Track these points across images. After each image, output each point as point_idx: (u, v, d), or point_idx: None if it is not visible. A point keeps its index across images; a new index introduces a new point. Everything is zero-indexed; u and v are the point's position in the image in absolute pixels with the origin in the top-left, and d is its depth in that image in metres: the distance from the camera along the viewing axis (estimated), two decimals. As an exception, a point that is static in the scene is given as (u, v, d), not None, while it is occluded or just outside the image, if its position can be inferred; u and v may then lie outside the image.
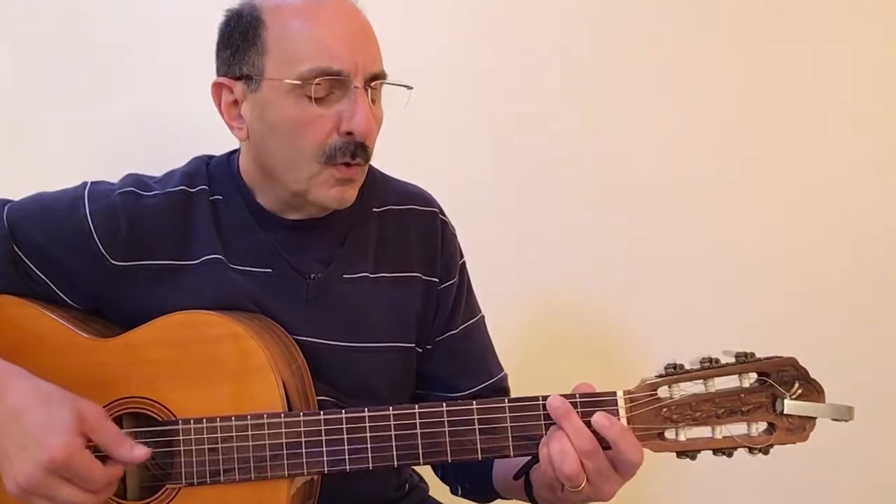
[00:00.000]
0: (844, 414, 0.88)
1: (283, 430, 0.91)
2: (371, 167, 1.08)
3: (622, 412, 0.88)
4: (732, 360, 0.89)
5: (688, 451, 0.89)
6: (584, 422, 0.87)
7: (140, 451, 0.87)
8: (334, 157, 0.97)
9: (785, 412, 0.87)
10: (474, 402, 0.90)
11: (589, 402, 0.88)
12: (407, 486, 1.17)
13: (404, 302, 1.08)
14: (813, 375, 0.88)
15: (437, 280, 1.11)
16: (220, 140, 1.10)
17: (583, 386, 0.90)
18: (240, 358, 0.93)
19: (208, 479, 0.91)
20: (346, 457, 0.91)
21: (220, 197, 1.06)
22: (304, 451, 0.91)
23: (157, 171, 1.10)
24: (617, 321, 1.67)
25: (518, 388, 1.14)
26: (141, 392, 0.94)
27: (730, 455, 0.88)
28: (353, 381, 1.05)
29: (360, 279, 1.06)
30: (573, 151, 1.65)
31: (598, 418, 0.87)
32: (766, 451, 0.88)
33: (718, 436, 0.88)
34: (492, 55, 1.64)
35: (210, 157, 1.11)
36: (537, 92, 1.65)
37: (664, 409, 0.88)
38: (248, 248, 1.04)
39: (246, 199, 1.06)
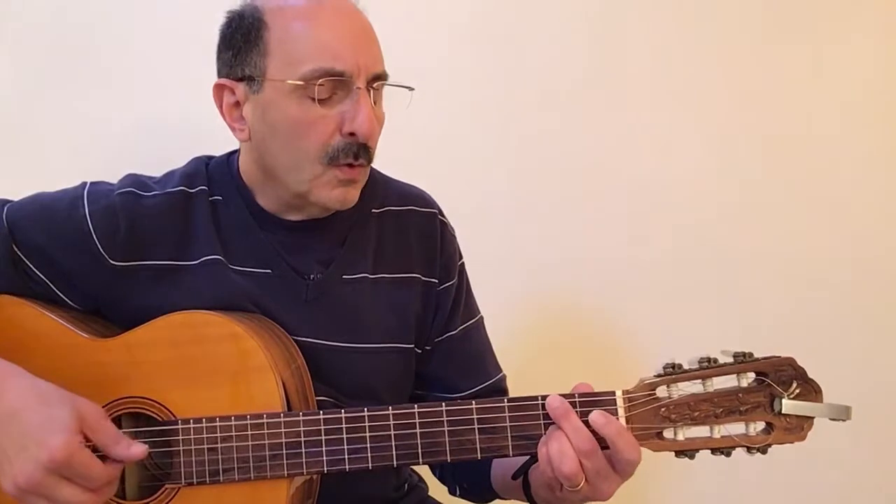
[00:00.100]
0: (842, 413, 0.88)
1: (283, 430, 0.91)
2: (371, 168, 1.08)
3: (621, 412, 0.89)
4: (730, 359, 0.89)
5: (686, 451, 0.89)
6: (582, 421, 0.87)
7: (137, 449, 0.87)
8: (337, 158, 0.97)
9: (783, 412, 0.87)
10: (473, 402, 0.91)
11: (588, 402, 0.88)
12: (406, 485, 1.17)
13: (404, 303, 1.09)
14: (811, 375, 0.89)
15: (437, 281, 1.11)
16: (220, 140, 1.10)
17: (582, 386, 0.91)
18: (239, 358, 0.93)
19: (207, 479, 0.91)
20: (346, 456, 0.91)
21: (220, 197, 1.06)
22: (303, 450, 0.91)
23: (156, 171, 1.10)
24: (616, 321, 1.67)
25: (517, 388, 1.14)
26: (140, 392, 0.94)
27: (728, 454, 0.89)
28: (352, 381, 1.05)
29: (359, 280, 1.07)
30: (572, 152, 1.66)
31: (596, 416, 0.87)
32: (764, 451, 0.88)
33: (717, 435, 0.88)
34: (492, 56, 1.64)
35: (210, 158, 1.11)
36: (537, 92, 1.65)
37: (663, 409, 0.88)
38: (247, 249, 1.04)
39: (246, 200, 1.06)
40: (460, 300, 1.14)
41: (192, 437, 0.92)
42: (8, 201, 1.03)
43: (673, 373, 0.89)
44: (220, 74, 1.02)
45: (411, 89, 1.02)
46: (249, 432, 0.91)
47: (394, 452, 0.91)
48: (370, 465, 0.91)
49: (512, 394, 1.16)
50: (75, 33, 1.57)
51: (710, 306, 1.66)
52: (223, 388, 0.93)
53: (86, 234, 1.00)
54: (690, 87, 1.67)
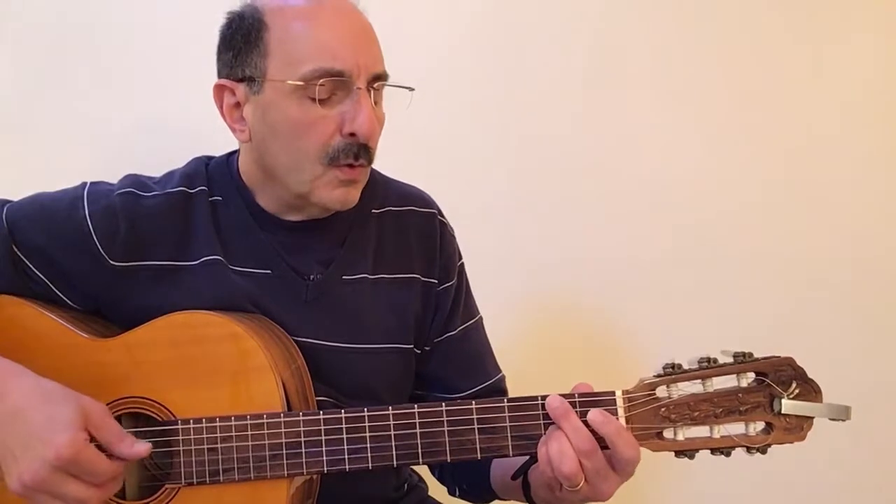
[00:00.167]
0: (842, 413, 0.88)
1: (283, 430, 0.91)
2: (371, 168, 1.08)
3: (621, 412, 0.89)
4: (730, 359, 0.89)
5: (686, 451, 0.89)
6: (582, 421, 0.87)
7: (141, 447, 0.87)
8: (337, 159, 0.97)
9: (782, 412, 0.87)
10: (473, 402, 0.91)
11: (588, 402, 0.88)
12: (406, 485, 1.17)
13: (403, 303, 1.09)
14: (810, 375, 0.89)
15: (436, 281, 1.11)
16: (219, 140, 1.10)
17: (581, 386, 0.91)
18: (239, 358, 0.93)
19: (207, 479, 0.91)
20: (346, 456, 0.91)
21: (220, 198, 1.06)
22: (303, 450, 0.91)
23: (156, 171, 1.10)
24: (616, 321, 1.67)
25: (517, 388, 1.14)
26: (140, 392, 0.94)
27: (728, 454, 0.89)
28: (352, 381, 1.05)
29: (359, 280, 1.07)
30: (572, 152, 1.66)
31: (594, 415, 0.87)
32: (763, 451, 0.88)
33: (716, 435, 0.88)
34: (492, 56, 1.64)
35: (209, 158, 1.11)
36: (537, 92, 1.65)
37: (662, 409, 0.88)
38: (247, 249, 1.04)
39: (246, 200, 1.06)
40: (460, 300, 1.14)
41: (192, 437, 0.92)
42: (8, 201, 1.03)
43: (673, 373, 0.89)
44: (220, 75, 1.02)
45: (411, 90, 1.01)
46: (249, 432, 0.91)
47: (394, 452, 0.91)
48: (370, 465, 0.91)
49: (512, 394, 1.16)
50: (75, 33, 1.57)
51: (710, 306, 1.66)
52: (223, 389, 0.93)
53: (86, 235, 1.00)
54: (690, 87, 1.67)
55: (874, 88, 1.69)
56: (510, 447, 0.90)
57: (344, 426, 0.91)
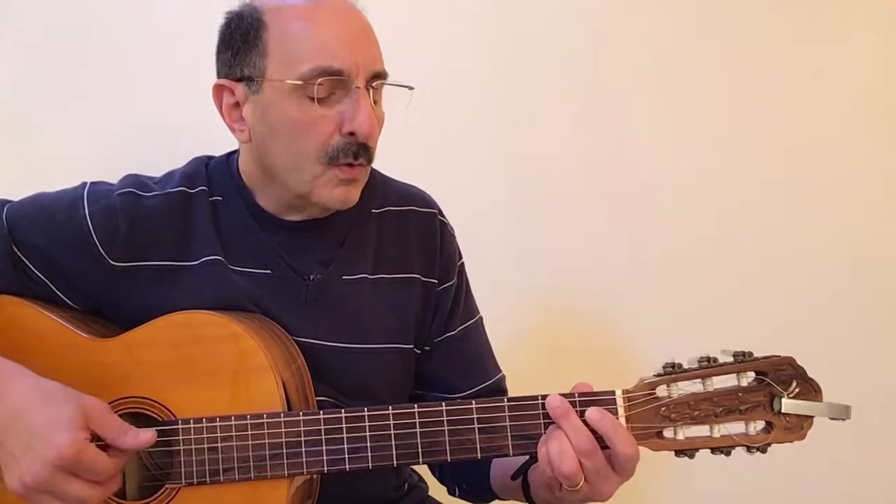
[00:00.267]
0: (842, 413, 0.88)
1: (283, 430, 0.91)
2: (371, 168, 1.08)
3: (621, 411, 0.89)
4: (730, 359, 0.89)
5: (686, 450, 0.89)
6: (582, 421, 0.87)
7: (146, 436, 0.87)
8: (337, 158, 0.97)
9: (783, 411, 0.87)
10: (473, 402, 0.91)
11: (587, 402, 0.88)
12: (406, 485, 1.17)
13: (403, 303, 1.09)
14: (810, 374, 0.89)
15: (436, 281, 1.11)
16: (220, 141, 1.10)
17: (581, 385, 0.91)
18: (239, 358, 0.93)
19: (208, 479, 0.91)
20: (346, 456, 0.91)
21: (220, 198, 1.06)
22: (303, 450, 0.91)
23: (156, 171, 1.10)
24: (616, 321, 1.67)
25: (517, 387, 1.14)
26: (140, 392, 0.94)
27: (728, 454, 0.89)
28: (352, 381, 1.05)
29: (359, 280, 1.07)
30: (572, 152, 1.66)
31: (591, 412, 0.87)
32: (763, 450, 0.88)
33: (716, 434, 0.88)
34: (492, 56, 1.64)
35: (209, 158, 1.11)
36: (537, 92, 1.65)
37: (662, 409, 0.88)
38: (247, 249, 1.04)
39: (246, 200, 1.06)
40: (460, 300, 1.14)
41: (192, 437, 0.92)
42: (8, 201, 1.03)
43: (673, 372, 0.89)
44: (219, 75, 1.02)
45: (411, 88, 1.01)
46: (249, 432, 0.91)
47: (394, 452, 0.91)
48: (370, 464, 0.91)
49: (512, 394, 1.16)
50: (75, 33, 1.57)
51: (710, 306, 1.66)
52: (223, 388, 0.93)
53: (86, 235, 1.00)
54: (690, 87, 1.67)
55: (874, 88, 1.69)
56: (510, 447, 0.90)
57: (344, 426, 0.91)
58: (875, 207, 1.69)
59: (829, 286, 1.68)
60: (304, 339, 1.03)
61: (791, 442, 0.88)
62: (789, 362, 0.88)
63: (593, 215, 1.66)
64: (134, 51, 1.58)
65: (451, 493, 1.17)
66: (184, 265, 1.02)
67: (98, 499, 0.84)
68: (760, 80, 1.67)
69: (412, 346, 1.10)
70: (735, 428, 0.89)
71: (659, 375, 0.89)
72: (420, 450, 0.91)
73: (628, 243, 1.66)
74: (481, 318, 1.18)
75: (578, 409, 0.88)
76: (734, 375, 0.89)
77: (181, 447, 0.92)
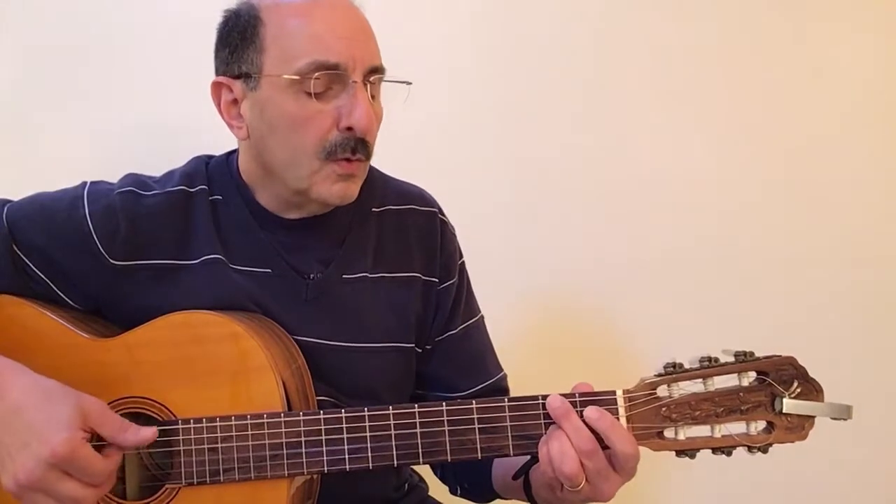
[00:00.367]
0: (843, 413, 0.88)
1: (283, 430, 0.91)
2: (370, 167, 1.08)
3: (621, 411, 0.89)
4: (731, 359, 0.89)
5: (687, 450, 0.89)
6: (583, 421, 0.87)
7: (147, 432, 0.88)
8: (334, 153, 0.97)
9: (784, 411, 0.87)
10: (474, 402, 0.90)
11: (588, 402, 0.88)
12: (406, 485, 1.17)
13: (404, 302, 1.08)
14: (812, 374, 0.89)
15: (437, 280, 1.11)
16: (220, 140, 1.10)
17: (582, 385, 0.90)
18: (239, 358, 0.93)
19: (208, 479, 0.91)
20: (346, 456, 0.91)
21: (220, 197, 1.06)
22: (303, 450, 0.91)
23: (156, 171, 1.10)
24: (616, 321, 1.67)
25: (517, 387, 1.14)
26: (140, 392, 0.94)
27: (729, 454, 0.89)
28: (352, 381, 1.05)
29: (359, 279, 1.06)
30: (572, 152, 1.66)
31: (589, 411, 0.87)
32: (764, 450, 0.88)
33: (717, 435, 0.88)
34: (492, 56, 1.64)
35: (209, 157, 1.11)
36: (537, 92, 1.65)
37: (663, 409, 0.88)
38: (247, 248, 1.04)
39: (245, 199, 1.06)
40: (461, 299, 1.14)
41: (192, 437, 0.92)
42: (8, 201, 1.03)
43: (674, 372, 0.89)
44: (217, 72, 1.02)
45: (409, 84, 1.01)
46: (250, 432, 0.91)
47: (394, 452, 0.90)
48: (370, 464, 0.91)
49: (512, 393, 1.15)
50: (75, 33, 1.57)
51: (711, 306, 1.66)
52: (223, 388, 0.93)
53: (86, 234, 1.00)
54: (690, 87, 1.67)
55: (874, 88, 1.69)
56: (511, 447, 0.90)
57: (344, 426, 0.91)
58: (875, 207, 1.69)
59: (829, 286, 1.68)
60: (304, 339, 1.02)
61: (792, 442, 0.88)
62: (790, 362, 0.88)
63: (593, 215, 1.66)
64: (134, 51, 1.58)
65: (453, 492, 1.17)
66: (184, 264, 1.02)
67: (91, 500, 0.84)
68: (760, 80, 1.67)
69: (413, 345, 1.10)
70: (736, 428, 0.88)
71: (660, 375, 0.89)
72: (420, 450, 0.90)
73: (628, 243, 1.66)
74: (482, 316, 1.18)
75: (579, 409, 0.88)
76: (735, 375, 0.89)
77: (181, 447, 0.92)
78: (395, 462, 0.91)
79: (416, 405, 0.91)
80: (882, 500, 1.71)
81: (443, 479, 1.18)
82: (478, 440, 0.90)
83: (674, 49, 1.66)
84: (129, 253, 1.00)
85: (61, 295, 1.01)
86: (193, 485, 0.92)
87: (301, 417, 0.91)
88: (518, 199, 1.66)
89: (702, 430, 0.89)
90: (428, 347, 1.12)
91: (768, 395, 0.88)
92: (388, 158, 1.12)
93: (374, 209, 1.10)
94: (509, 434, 0.90)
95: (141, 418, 0.94)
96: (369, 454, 0.91)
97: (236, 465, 0.91)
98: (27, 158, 1.57)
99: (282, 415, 0.91)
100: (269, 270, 1.04)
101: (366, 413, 0.91)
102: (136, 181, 1.05)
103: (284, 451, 0.91)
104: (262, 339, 0.94)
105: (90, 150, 1.56)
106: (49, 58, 1.57)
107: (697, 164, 1.67)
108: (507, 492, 1.07)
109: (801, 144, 1.68)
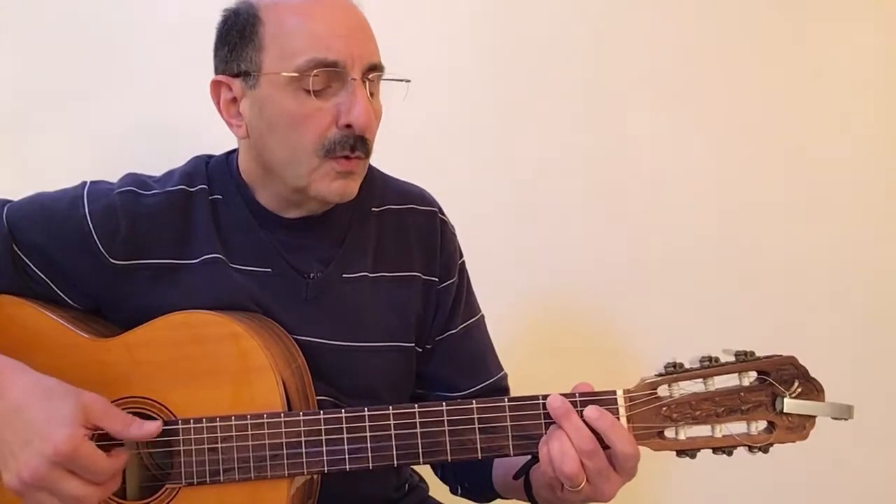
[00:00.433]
0: (844, 413, 0.87)
1: (283, 430, 0.91)
2: (370, 166, 1.08)
3: (622, 411, 0.88)
4: (732, 358, 0.89)
5: (687, 450, 0.89)
6: (583, 421, 0.87)
7: (151, 426, 0.88)
8: (334, 151, 0.97)
9: (785, 411, 0.87)
10: (474, 402, 0.90)
11: (588, 402, 0.88)
12: (407, 485, 1.17)
13: (404, 301, 1.08)
14: (812, 374, 0.88)
15: (437, 279, 1.11)
16: (220, 140, 1.10)
17: (582, 385, 0.90)
18: (239, 358, 0.93)
19: (208, 479, 0.91)
20: (346, 456, 0.91)
21: (220, 196, 1.06)
22: (303, 450, 0.91)
23: (156, 171, 1.10)
24: (616, 321, 1.67)
25: (517, 387, 1.14)
26: (140, 392, 0.94)
27: (729, 454, 0.88)
28: (352, 380, 1.05)
29: (359, 279, 1.06)
30: (572, 152, 1.66)
31: (589, 411, 0.87)
32: (765, 450, 0.88)
33: (718, 434, 0.88)
34: (492, 56, 1.64)
35: (209, 157, 1.11)
36: (537, 92, 1.65)
37: (664, 408, 0.88)
38: (247, 248, 1.04)
39: (245, 198, 1.06)
40: (461, 299, 1.14)
41: (192, 437, 0.92)
42: (8, 201, 1.03)
43: (674, 372, 0.89)
44: (216, 71, 1.03)
45: (408, 81, 1.01)
46: (250, 432, 0.91)
47: (394, 452, 0.90)
48: (371, 464, 0.90)
49: (512, 393, 1.15)
50: (76, 33, 1.57)
51: (711, 305, 1.66)
52: (223, 388, 0.93)
53: (86, 234, 1.00)
54: (690, 87, 1.67)
55: (874, 88, 1.69)
56: (511, 447, 0.90)
57: (344, 426, 0.91)
58: (875, 207, 1.69)
59: (829, 286, 1.68)
60: (304, 338, 1.02)
61: (793, 442, 0.88)
62: (791, 362, 0.88)
63: (593, 215, 1.66)
64: (134, 51, 1.58)
65: (454, 492, 1.17)
66: (184, 263, 1.02)
67: (95, 499, 0.84)
68: (760, 80, 1.67)
69: (413, 344, 1.10)
70: (737, 428, 0.88)
71: (660, 375, 0.89)
72: (420, 450, 0.90)
73: (628, 243, 1.66)
74: (483, 316, 1.18)
75: (579, 409, 0.88)
76: (736, 375, 0.89)
77: (181, 447, 0.92)
78: (395, 462, 0.91)
79: (416, 405, 0.91)
80: (882, 500, 1.71)
81: (443, 479, 1.18)
82: (478, 440, 0.90)
83: (674, 49, 1.66)
84: (129, 252, 1.00)
85: (61, 295, 1.01)
86: (193, 485, 0.91)
87: (301, 417, 0.91)
88: (518, 199, 1.66)
89: (702, 430, 0.89)
90: (428, 347, 1.12)
91: (769, 395, 0.88)
92: (388, 158, 1.12)
93: (374, 209, 1.10)
94: (509, 434, 0.90)
95: (141, 418, 0.94)
96: (369, 454, 0.90)
97: (236, 465, 0.91)
98: (27, 158, 1.57)
99: (282, 415, 0.91)
100: (269, 270, 1.03)
101: (366, 413, 0.91)
102: (136, 181, 1.05)
103: (284, 451, 0.91)
104: (262, 339, 0.94)
105: (90, 150, 1.56)
106: (49, 58, 1.57)
107: (697, 164, 1.67)
108: (507, 492, 1.07)
109: (801, 144, 1.68)
